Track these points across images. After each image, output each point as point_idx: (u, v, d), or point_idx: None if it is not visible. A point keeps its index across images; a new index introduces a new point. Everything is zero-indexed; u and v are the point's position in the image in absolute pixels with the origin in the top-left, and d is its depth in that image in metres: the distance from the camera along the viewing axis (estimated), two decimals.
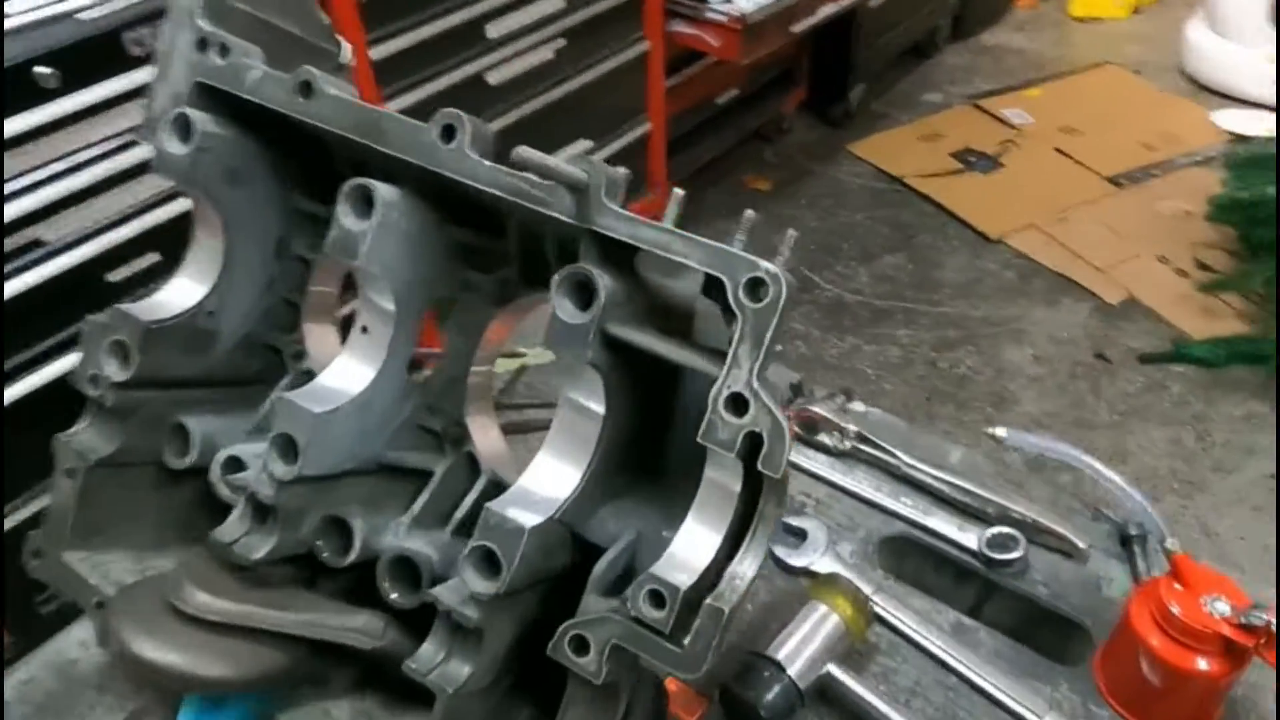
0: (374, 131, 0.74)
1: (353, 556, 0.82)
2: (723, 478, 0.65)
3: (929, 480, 1.11)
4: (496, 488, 0.86)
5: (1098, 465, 0.94)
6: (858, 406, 1.24)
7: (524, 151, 0.62)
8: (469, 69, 2.44)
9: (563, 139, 2.71)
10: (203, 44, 0.82)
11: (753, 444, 0.61)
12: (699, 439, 0.63)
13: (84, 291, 1.82)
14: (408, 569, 0.81)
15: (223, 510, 0.96)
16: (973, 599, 1.07)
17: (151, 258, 1.93)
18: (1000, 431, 0.97)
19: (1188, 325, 3.18)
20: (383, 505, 0.86)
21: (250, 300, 0.92)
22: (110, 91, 1.72)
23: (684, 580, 0.64)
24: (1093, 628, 1.00)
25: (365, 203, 0.74)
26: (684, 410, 0.78)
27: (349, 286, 1.00)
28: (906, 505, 1.11)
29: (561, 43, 2.67)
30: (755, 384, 0.61)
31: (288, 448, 0.77)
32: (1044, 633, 1.02)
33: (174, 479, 0.95)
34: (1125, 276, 3.40)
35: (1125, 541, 1.06)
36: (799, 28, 3.24)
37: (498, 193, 0.70)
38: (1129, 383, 3.06)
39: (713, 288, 0.69)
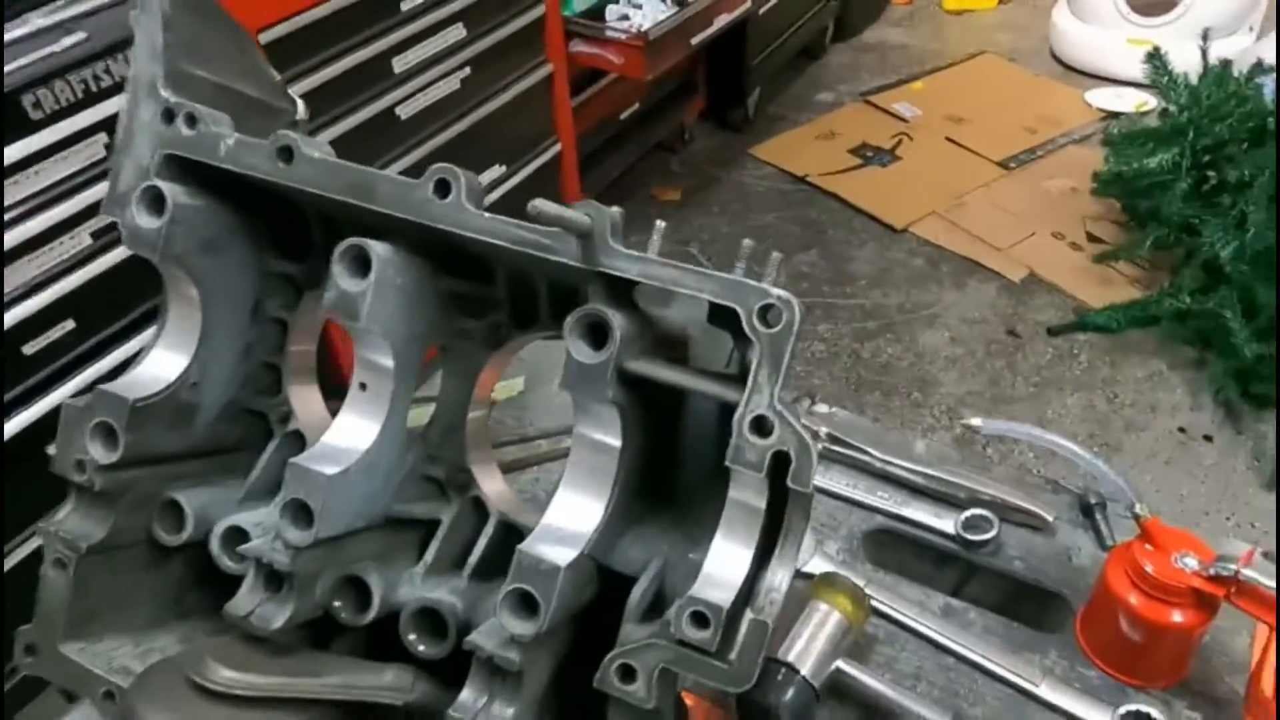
0: (365, 192, 0.75)
1: (372, 614, 0.82)
2: (748, 496, 0.68)
3: (902, 473, 1.17)
4: (507, 529, 0.87)
5: (1067, 443, 1.00)
6: (822, 408, 1.28)
7: (539, 204, 0.63)
8: (379, 104, 2.43)
9: (477, 166, 2.71)
10: (169, 115, 0.81)
11: (778, 462, 0.64)
12: (727, 463, 0.65)
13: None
14: (431, 619, 0.82)
15: (217, 582, 0.95)
16: (955, 580, 1.13)
17: (66, 325, 1.87)
18: (975, 421, 1.03)
19: (1086, 295, 3.37)
20: (394, 558, 0.86)
21: (229, 368, 0.91)
22: (13, 156, 1.67)
23: (724, 599, 0.66)
24: (1070, 596, 1.07)
25: (361, 263, 0.75)
26: (687, 435, 0.80)
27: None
28: (883, 499, 1.16)
29: (467, 71, 2.68)
30: (778, 405, 0.64)
31: (300, 513, 0.77)
32: (1025, 605, 1.09)
33: (164, 557, 0.93)
34: (1024, 254, 3.58)
35: (1087, 510, 1.14)
36: (698, 40, 3.32)
37: (500, 243, 0.71)
38: (1040, 355, 3.23)
39: (719, 314, 0.72)
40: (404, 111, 2.54)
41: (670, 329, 0.78)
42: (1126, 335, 3.20)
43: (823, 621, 0.97)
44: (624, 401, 0.71)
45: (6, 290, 1.74)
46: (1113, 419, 2.93)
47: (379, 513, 0.84)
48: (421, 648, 0.81)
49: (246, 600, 0.80)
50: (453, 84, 2.66)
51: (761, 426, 0.64)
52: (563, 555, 0.71)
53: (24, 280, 1.78)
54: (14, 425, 1.76)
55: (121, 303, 1.92)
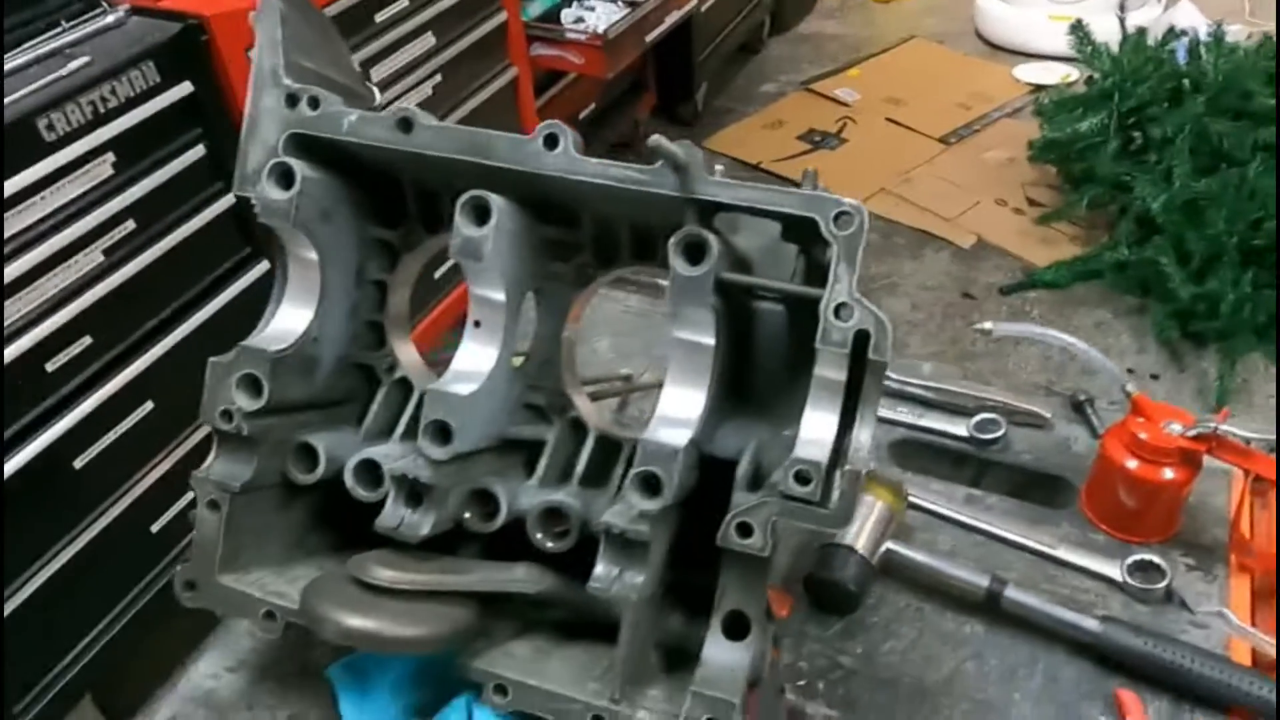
0: (482, 149, 0.88)
1: (500, 521, 0.95)
2: (831, 372, 0.82)
3: (916, 390, 1.33)
4: (605, 442, 1.00)
5: (1068, 338, 1.17)
6: None
7: (658, 139, 0.77)
8: None
9: None
10: (292, 100, 0.93)
11: (858, 340, 0.79)
12: (817, 344, 0.80)
13: (26, 383, 1.82)
14: (552, 519, 0.94)
15: (333, 525, 1.07)
16: (972, 476, 1.29)
17: (84, 342, 1.94)
18: (987, 324, 1.19)
19: (1032, 255, 3.60)
20: (509, 474, 0.99)
21: (340, 325, 1.03)
22: (31, 178, 1.74)
23: (820, 457, 0.81)
24: (1072, 478, 1.23)
25: (481, 211, 0.88)
26: (758, 342, 0.95)
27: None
28: (902, 413, 1.32)
29: (438, 79, 2.79)
30: (855, 293, 0.79)
31: (439, 432, 0.89)
32: (1035, 491, 1.25)
33: (290, 499, 1.05)
34: (971, 222, 3.80)
35: (1078, 408, 1.31)
36: (651, 37, 3.47)
37: (608, 182, 0.85)
38: (995, 313, 3.44)
39: (791, 230, 0.87)
40: None
41: (738, 253, 0.92)
42: (1073, 289, 3.44)
43: (870, 511, 1.12)
44: (718, 308, 0.85)
45: (28, 310, 1.81)
46: (1068, 366, 3.15)
47: (497, 434, 0.97)
48: (550, 544, 0.94)
49: (392, 515, 0.92)
50: (425, 91, 2.76)
51: (843, 311, 0.79)
52: (679, 437, 0.84)
53: (44, 299, 1.85)
54: (41, 442, 1.82)
55: (134, 318, 2.00)
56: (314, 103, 0.93)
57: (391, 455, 0.98)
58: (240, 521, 0.98)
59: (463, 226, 0.88)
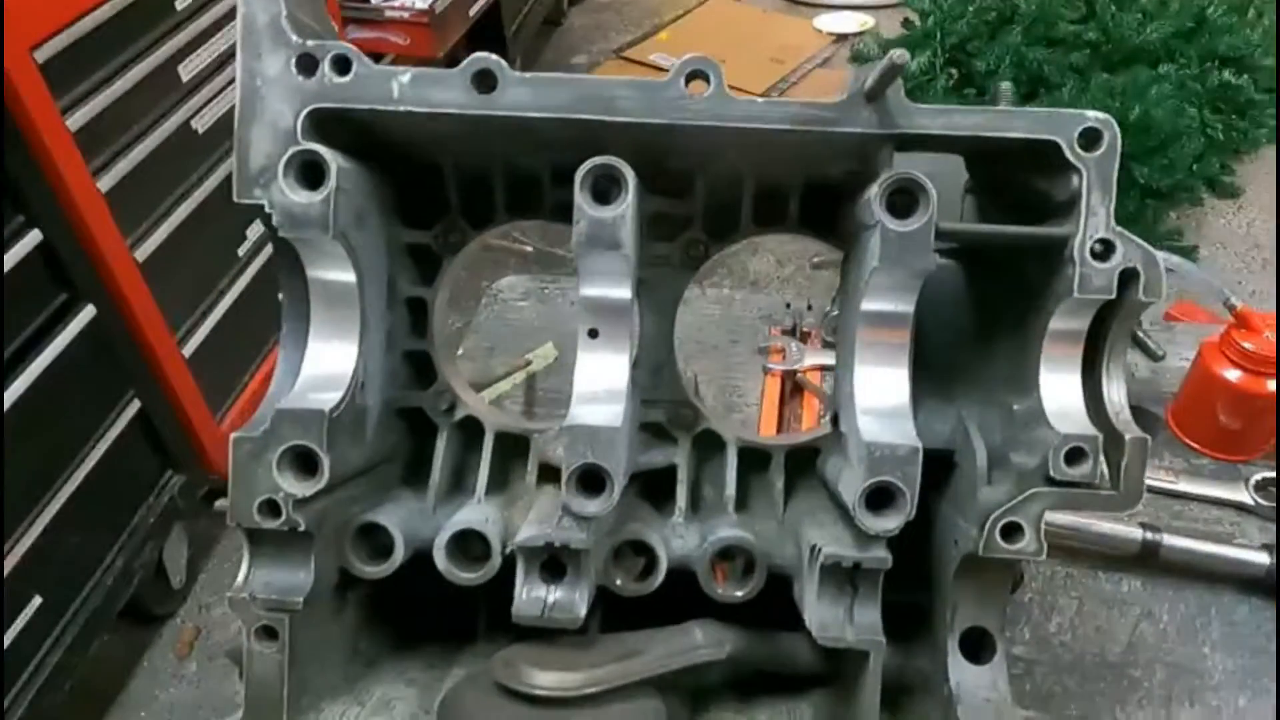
0: (601, 103, 0.66)
1: (660, 578, 0.75)
2: (1072, 323, 0.68)
3: None
4: (751, 452, 0.82)
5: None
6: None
7: (898, 54, 0.59)
8: (174, 119, 2.14)
9: None
10: (308, 63, 0.67)
11: (1123, 280, 0.66)
12: (1075, 295, 0.65)
13: None
14: (725, 558, 0.76)
15: (386, 619, 0.83)
16: None
17: None
18: None
19: None
20: (644, 515, 0.79)
21: (379, 363, 0.78)
22: None
23: (1088, 429, 0.67)
24: (1150, 405, 1.18)
25: (613, 183, 0.67)
26: (924, 307, 0.79)
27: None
28: None
29: None
30: (1115, 226, 0.65)
31: (592, 479, 0.68)
32: None
33: (342, 601, 0.79)
34: None
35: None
36: (475, 10, 3.21)
37: (779, 127, 0.66)
38: None
39: (993, 164, 0.72)
40: (200, 124, 2.26)
41: None
42: None
43: None
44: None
45: None
46: None
47: (632, 468, 0.76)
48: (738, 593, 0.75)
49: (531, 599, 0.70)
50: None
51: (1107, 248, 0.65)
52: (907, 435, 0.68)
53: None
54: None
55: None
56: (342, 64, 0.67)
57: (491, 519, 0.76)
58: (302, 646, 0.72)
59: (587, 207, 0.66)
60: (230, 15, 2.29)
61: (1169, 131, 3.18)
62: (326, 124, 0.69)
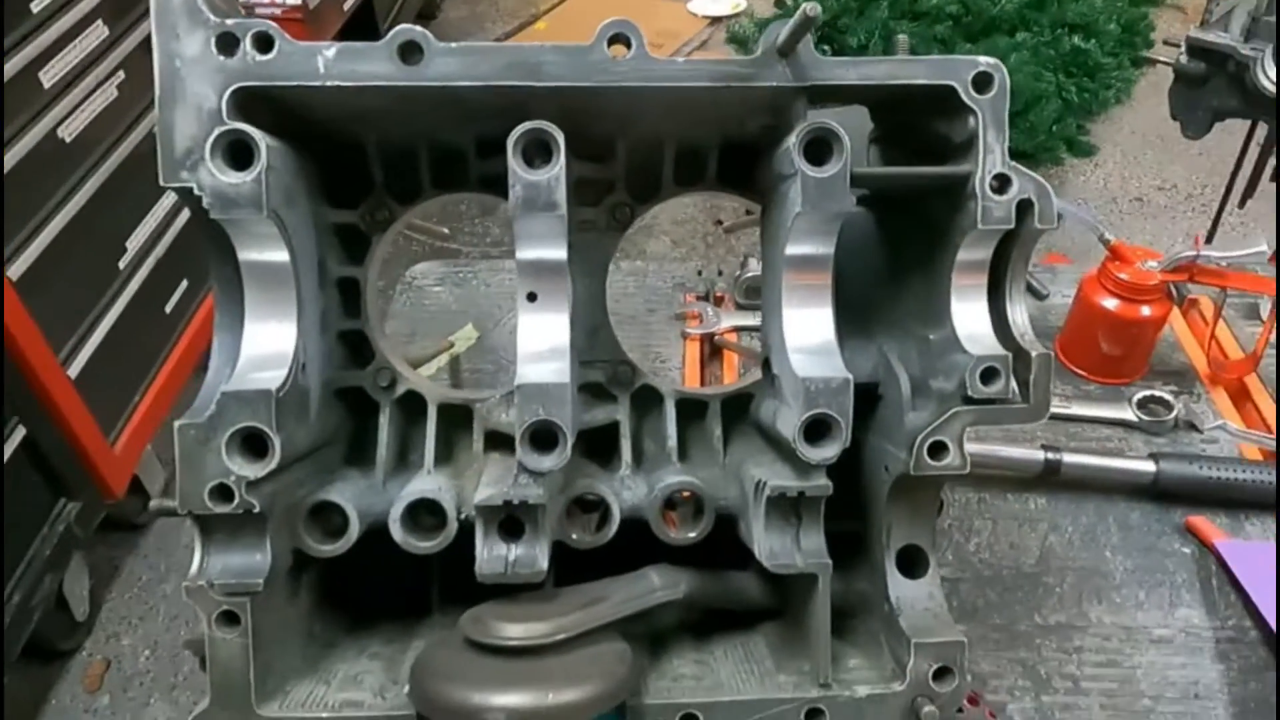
0: (528, 70, 0.68)
1: (614, 528, 0.77)
2: (978, 255, 0.74)
3: None
4: (689, 404, 0.86)
5: None
6: (753, 263, 1.37)
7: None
8: (38, 128, 2.04)
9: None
10: (228, 42, 0.66)
11: (1020, 211, 0.72)
12: (980, 227, 0.71)
13: None
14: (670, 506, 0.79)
15: (336, 602, 0.84)
16: None
17: None
18: None
19: None
20: (592, 472, 0.81)
21: (316, 344, 0.78)
22: None
23: (998, 349, 0.73)
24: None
25: (543, 148, 0.69)
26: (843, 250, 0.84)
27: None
28: None
29: (121, 76, 2.33)
30: (1010, 161, 0.71)
31: (544, 437, 0.70)
32: None
33: (297, 583, 0.79)
34: None
35: None
36: (349, 4, 3.15)
37: (702, 84, 0.69)
38: (748, 236, 3.56)
39: (895, 111, 0.77)
40: (67, 132, 2.15)
41: None
42: None
43: None
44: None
45: None
46: None
47: (579, 426, 0.78)
48: (691, 534, 0.78)
49: (493, 558, 0.72)
50: (109, 92, 2.30)
51: (1002, 183, 0.71)
52: (838, 368, 0.72)
53: None
54: None
55: None
56: (264, 42, 0.67)
57: (443, 488, 0.77)
58: (263, 630, 0.72)
59: (521, 171, 0.68)
60: (89, 18, 2.19)
61: (1029, 96, 3.39)
62: (251, 104, 0.68)
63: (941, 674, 0.74)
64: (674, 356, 1.28)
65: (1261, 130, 1.77)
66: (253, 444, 0.68)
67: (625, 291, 1.40)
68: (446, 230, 1.14)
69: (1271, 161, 1.89)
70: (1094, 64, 3.65)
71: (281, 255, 0.71)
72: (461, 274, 1.41)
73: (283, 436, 0.68)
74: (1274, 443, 1.11)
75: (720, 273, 1.42)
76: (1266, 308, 1.21)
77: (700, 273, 1.43)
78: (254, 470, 0.68)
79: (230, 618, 0.70)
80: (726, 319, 1.30)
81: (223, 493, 0.68)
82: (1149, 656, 0.93)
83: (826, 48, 3.63)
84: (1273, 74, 1.49)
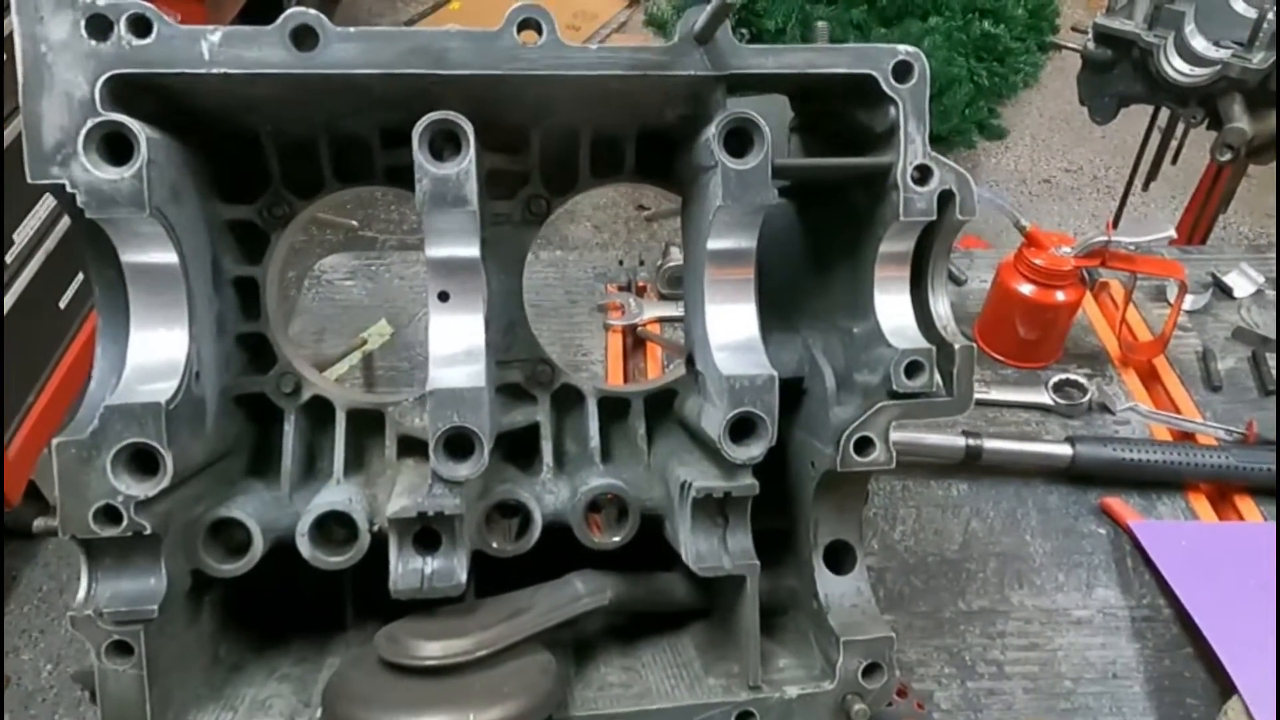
0: (432, 56, 0.64)
1: (536, 534, 0.75)
2: (901, 247, 0.73)
3: None
4: (611, 402, 0.83)
5: None
6: (675, 252, 1.35)
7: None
8: None
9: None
10: (100, 25, 0.61)
11: (941, 202, 0.71)
12: (901, 219, 0.70)
13: None
14: (596, 508, 0.77)
15: (243, 623, 0.80)
16: None
17: None
18: None
19: None
20: (512, 477, 0.78)
21: (212, 349, 0.73)
22: None
23: (922, 341, 0.72)
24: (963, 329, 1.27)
25: (451, 140, 0.65)
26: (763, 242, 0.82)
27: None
28: None
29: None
30: (931, 151, 0.70)
31: (459, 444, 0.67)
32: None
33: (198, 606, 0.75)
34: None
35: None
36: None
37: (614, 72, 0.66)
38: (670, 223, 3.55)
39: (816, 99, 0.75)
40: None
41: None
42: None
43: None
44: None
45: None
46: None
47: (496, 430, 0.75)
48: (616, 538, 0.76)
49: (408, 572, 0.68)
50: None
51: (924, 174, 0.70)
52: (762, 365, 0.71)
53: None
54: None
55: None
56: (141, 25, 0.62)
57: (354, 499, 0.73)
58: (160, 658, 0.67)
59: (429, 164, 0.64)
60: None
61: (943, 80, 3.43)
62: (128, 92, 0.63)
63: (871, 670, 0.74)
64: (596, 349, 1.25)
65: (1164, 115, 1.82)
66: (141, 461, 0.64)
67: (545, 283, 1.36)
68: (355, 222, 1.09)
69: (1172, 145, 1.95)
70: (1004, 49, 3.72)
71: (168, 256, 0.66)
72: (374, 266, 1.36)
73: (175, 451, 0.64)
74: (1182, 423, 1.14)
75: (642, 262, 1.40)
76: (1174, 291, 1.24)
77: (622, 262, 1.40)
78: (143, 489, 0.63)
79: (122, 648, 0.65)
80: (649, 310, 1.27)
81: (109, 514, 0.63)
82: (1069, 638, 0.94)
83: (744, 31, 3.62)
84: (1176, 61, 1.53)
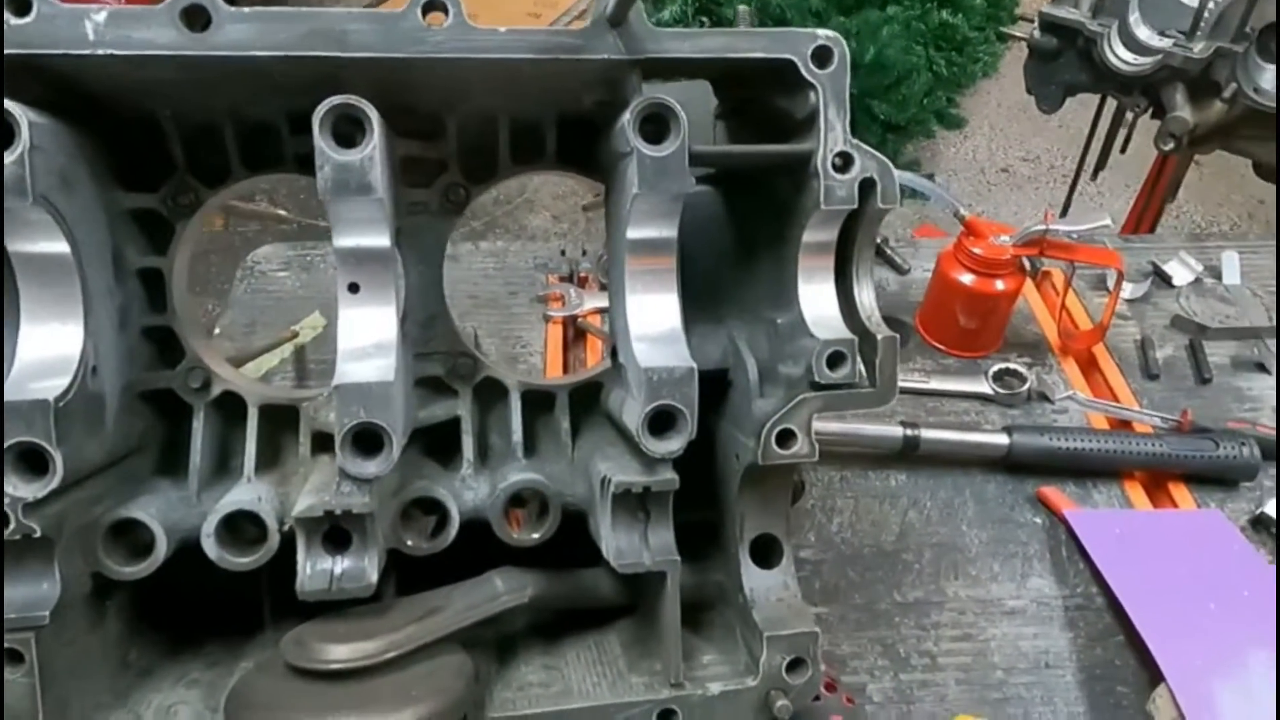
0: (333, 39, 0.62)
1: (453, 532, 0.73)
2: (824, 236, 0.72)
3: None
4: (535, 395, 0.81)
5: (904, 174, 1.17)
6: None
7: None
8: None
9: None
10: None
11: (863, 191, 0.69)
12: (823, 207, 0.68)
13: None
14: (516, 505, 0.75)
15: (154, 626, 0.77)
16: None
17: None
18: None
19: None
20: (430, 472, 0.76)
21: (113, 342, 0.70)
22: None
23: (845, 332, 0.71)
24: (902, 315, 1.27)
25: (356, 125, 0.63)
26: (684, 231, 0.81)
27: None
28: None
29: None
30: (851, 139, 0.69)
31: (369, 439, 0.65)
32: None
33: (100, 607, 0.72)
34: None
35: (878, 252, 1.35)
36: None
37: (525, 57, 0.64)
38: None
39: (735, 85, 0.74)
40: None
41: None
42: None
43: None
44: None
45: None
46: None
47: (411, 425, 0.73)
48: (535, 535, 0.74)
49: (317, 573, 0.66)
50: None
51: (845, 161, 0.69)
52: (682, 357, 0.69)
53: None
54: None
55: None
56: (19, 3, 0.59)
57: (264, 498, 0.71)
58: (55, 665, 0.65)
59: (330, 150, 0.62)
60: None
61: (901, 69, 3.43)
62: (10, 75, 0.60)
63: (795, 666, 0.73)
64: (535, 341, 1.23)
65: (1111, 105, 1.83)
66: (30, 461, 0.61)
67: (485, 273, 1.34)
68: (284, 212, 1.06)
69: (1121, 134, 1.96)
70: (962, 38, 3.73)
71: (59, 246, 0.63)
72: (308, 257, 1.33)
73: (66, 450, 0.61)
74: (1119, 411, 1.14)
75: (584, 252, 1.38)
76: (1113, 279, 1.24)
77: (564, 253, 1.38)
78: (32, 490, 0.60)
79: (13, 655, 0.62)
80: (590, 301, 1.26)
81: None
82: (1002, 628, 0.94)
83: (704, 20, 3.60)
84: (1120, 50, 1.53)
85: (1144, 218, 2.09)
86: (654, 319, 0.72)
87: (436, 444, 0.80)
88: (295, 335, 1.16)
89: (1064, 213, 1.20)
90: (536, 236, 3.39)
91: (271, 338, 1.16)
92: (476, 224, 3.40)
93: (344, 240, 0.66)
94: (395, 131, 0.72)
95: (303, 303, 1.24)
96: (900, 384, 1.12)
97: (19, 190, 0.59)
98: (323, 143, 0.62)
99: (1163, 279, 1.35)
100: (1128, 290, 1.32)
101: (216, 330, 1.20)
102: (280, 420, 0.78)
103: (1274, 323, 1.27)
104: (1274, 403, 1.17)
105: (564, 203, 3.55)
